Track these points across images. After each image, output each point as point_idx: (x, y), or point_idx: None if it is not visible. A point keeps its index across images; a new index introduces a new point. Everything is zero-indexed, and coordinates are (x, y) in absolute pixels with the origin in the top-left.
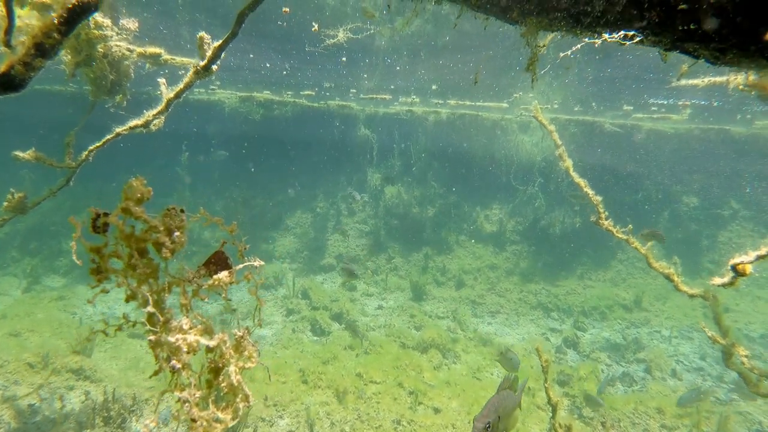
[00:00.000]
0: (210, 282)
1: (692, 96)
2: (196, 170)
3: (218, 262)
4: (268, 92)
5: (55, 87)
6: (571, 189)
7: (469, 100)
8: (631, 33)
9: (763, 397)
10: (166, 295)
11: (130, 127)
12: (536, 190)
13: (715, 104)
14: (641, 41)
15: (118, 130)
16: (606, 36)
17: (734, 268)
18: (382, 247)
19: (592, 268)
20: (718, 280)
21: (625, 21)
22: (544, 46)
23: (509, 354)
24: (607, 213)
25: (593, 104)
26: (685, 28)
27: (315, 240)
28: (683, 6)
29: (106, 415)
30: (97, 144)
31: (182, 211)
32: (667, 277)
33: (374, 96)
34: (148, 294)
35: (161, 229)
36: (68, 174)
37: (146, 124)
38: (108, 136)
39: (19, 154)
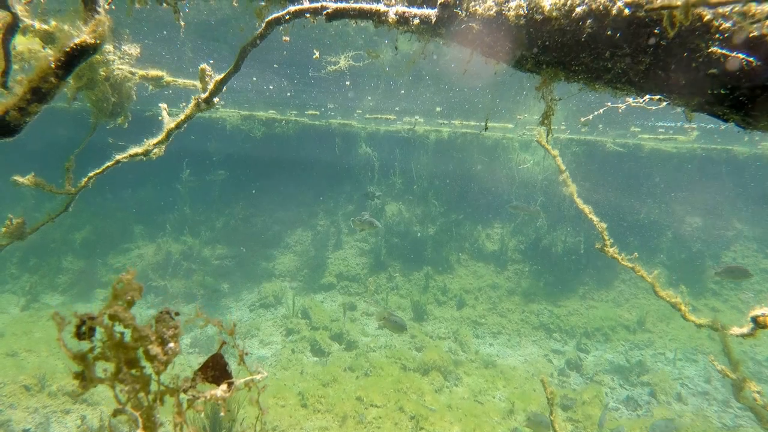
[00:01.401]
0: (207, 396)
1: (699, 120)
2: (196, 187)
3: (216, 367)
4: (274, 111)
5: (58, 104)
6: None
7: (474, 121)
8: (657, 97)
9: None
10: (158, 410)
11: (131, 155)
12: (538, 208)
13: (723, 127)
14: (668, 104)
15: (119, 157)
16: (630, 100)
17: (755, 320)
18: (382, 266)
19: (595, 287)
20: (737, 330)
21: (648, 80)
22: (560, 99)
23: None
24: (612, 240)
25: (600, 126)
26: (715, 92)
27: (315, 258)
28: (713, 71)
29: None
30: (97, 171)
31: (177, 314)
32: (675, 307)
33: (379, 116)
34: (137, 415)
35: (153, 339)
36: (67, 200)
37: (146, 153)
38: (108, 163)
39: (18, 179)
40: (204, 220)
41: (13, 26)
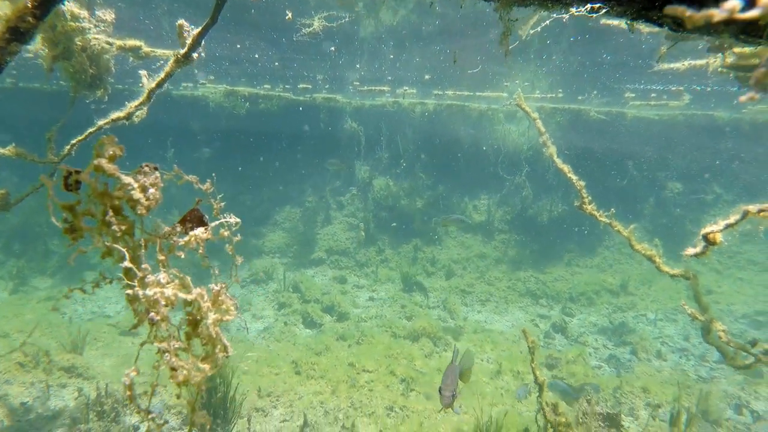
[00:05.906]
0: (186, 239)
1: (682, 81)
2: (181, 166)
3: (193, 219)
4: (268, 86)
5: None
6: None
7: (467, 90)
8: (597, 5)
9: (740, 370)
10: (143, 251)
11: (113, 120)
12: (523, 179)
13: (709, 90)
14: (607, 12)
15: (101, 123)
16: (573, 10)
17: (705, 237)
18: (371, 240)
19: (579, 254)
20: (691, 251)
21: None
22: (516, 19)
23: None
24: (590, 197)
25: (595, 92)
26: None
27: (304, 234)
28: None
29: (99, 409)
30: (79, 137)
31: (155, 168)
32: (650, 259)
33: (373, 88)
34: (123, 249)
35: (135, 186)
36: (51, 170)
37: (129, 116)
38: (90, 129)
39: None
40: (191, 200)
41: None
